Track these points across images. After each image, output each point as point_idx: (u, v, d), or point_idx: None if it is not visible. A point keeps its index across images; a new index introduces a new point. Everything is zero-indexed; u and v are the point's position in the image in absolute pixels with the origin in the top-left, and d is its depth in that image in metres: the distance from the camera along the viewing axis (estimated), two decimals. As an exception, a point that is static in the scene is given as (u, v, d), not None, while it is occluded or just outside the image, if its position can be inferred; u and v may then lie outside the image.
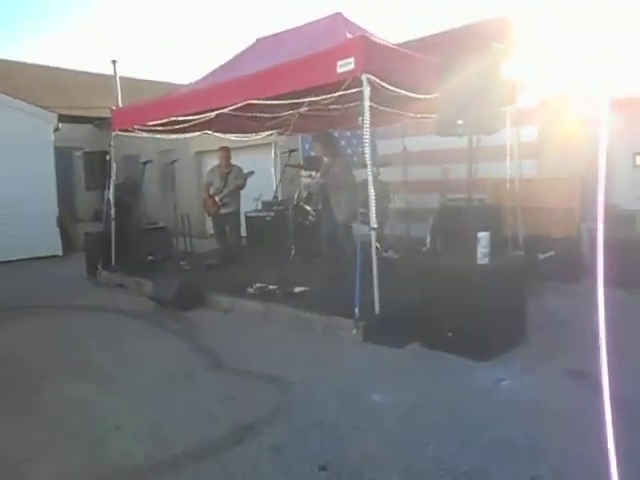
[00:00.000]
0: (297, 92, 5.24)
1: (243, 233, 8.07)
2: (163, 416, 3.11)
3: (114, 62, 16.30)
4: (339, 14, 6.27)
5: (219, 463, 2.58)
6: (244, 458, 2.60)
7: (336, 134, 9.95)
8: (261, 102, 5.30)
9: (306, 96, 5.51)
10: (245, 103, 5.37)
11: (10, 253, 9.12)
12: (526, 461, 2.45)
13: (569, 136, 6.69)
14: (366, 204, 5.67)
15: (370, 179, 4.46)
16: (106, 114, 14.90)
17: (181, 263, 7.42)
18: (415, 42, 7.00)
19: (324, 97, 4.96)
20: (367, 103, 4.31)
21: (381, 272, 4.33)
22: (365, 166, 6.43)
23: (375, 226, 4.41)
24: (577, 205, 6.94)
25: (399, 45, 5.59)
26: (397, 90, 4.65)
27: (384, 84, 4.48)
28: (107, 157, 7.34)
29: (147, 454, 2.70)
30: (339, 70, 4.43)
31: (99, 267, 7.35)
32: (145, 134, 7.39)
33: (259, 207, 9.24)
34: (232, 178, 7.23)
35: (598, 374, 2.03)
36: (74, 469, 2.61)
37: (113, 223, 7.35)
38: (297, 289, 5.36)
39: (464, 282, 3.75)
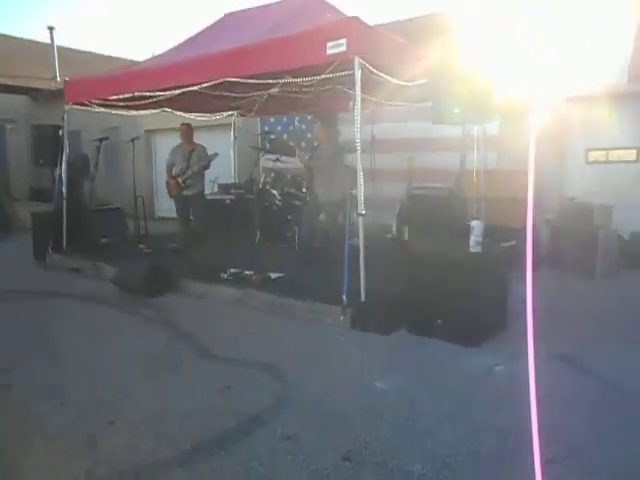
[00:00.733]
0: (275, 72, 5.09)
1: (202, 216, 7.79)
2: (161, 409, 2.94)
3: (51, 29, 15.14)
4: (316, -7, 6.12)
5: (234, 456, 2.47)
6: (259, 450, 2.51)
7: (285, 119, 9.89)
8: (240, 80, 5.07)
9: (282, 76, 5.37)
10: (221, 81, 5.14)
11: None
12: (540, 444, 2.52)
13: (525, 131, 6.96)
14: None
15: (359, 165, 4.39)
16: (42, 85, 13.96)
17: (140, 246, 7.06)
18: (387, 26, 6.97)
19: (311, 78, 4.83)
20: (359, 87, 4.24)
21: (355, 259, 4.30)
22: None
23: (363, 212, 4.37)
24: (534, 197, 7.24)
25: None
26: (385, 76, 4.61)
27: (373, 69, 4.42)
28: (60, 132, 6.81)
29: (152, 451, 2.53)
30: (329, 51, 4.31)
31: (49, 249, 6.84)
32: (101, 109, 6.91)
33: (215, 190, 8.95)
34: (195, 158, 6.93)
35: (582, 357, 2.03)
36: (70, 472, 2.39)
37: (64, 203, 6.86)
38: (273, 275, 5.24)
39: (457, 269, 3.80)
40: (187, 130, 7.14)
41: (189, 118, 8.07)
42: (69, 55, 15.58)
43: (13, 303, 5.21)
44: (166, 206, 11.48)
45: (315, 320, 4.36)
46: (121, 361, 3.65)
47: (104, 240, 7.33)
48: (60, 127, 7.09)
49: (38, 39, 16.22)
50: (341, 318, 4.24)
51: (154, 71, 5.86)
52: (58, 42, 15.55)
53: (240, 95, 6.63)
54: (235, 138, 9.21)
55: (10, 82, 12.03)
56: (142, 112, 7.33)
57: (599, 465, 2.37)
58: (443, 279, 3.88)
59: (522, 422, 2.69)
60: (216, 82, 5.16)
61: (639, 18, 6.57)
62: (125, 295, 5.25)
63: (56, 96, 12.96)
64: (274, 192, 7.18)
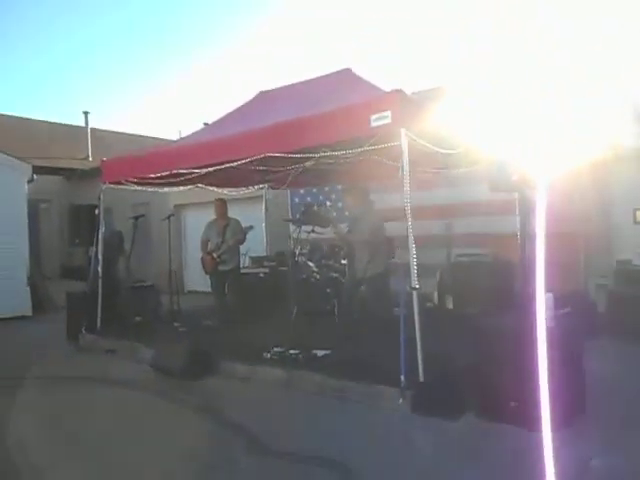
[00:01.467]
0: (316, 146, 5.08)
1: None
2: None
3: (86, 113, 15.93)
4: (348, 69, 6.25)
5: None
6: None
7: (314, 190, 9.94)
8: (281, 155, 5.05)
9: (320, 150, 5.35)
10: (262, 156, 5.13)
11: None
12: None
13: (570, 193, 6.78)
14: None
15: (410, 237, 4.22)
16: (74, 165, 14.46)
17: (175, 324, 6.86)
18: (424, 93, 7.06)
19: (352, 151, 4.79)
20: (406, 157, 4.17)
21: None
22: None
23: (417, 286, 4.14)
24: (582, 260, 6.95)
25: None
26: (428, 145, 4.53)
27: (417, 139, 4.35)
28: (96, 211, 6.85)
29: None
30: (373, 124, 4.29)
31: (83, 330, 6.68)
32: (136, 187, 6.98)
33: (247, 263, 8.84)
34: (230, 233, 6.86)
35: None
36: None
37: (100, 282, 6.77)
38: (319, 352, 4.95)
39: (527, 344, 3.48)
40: (221, 205, 7.13)
41: (221, 193, 8.12)
42: (100, 135, 16.29)
43: (44, 390, 4.96)
44: (195, 280, 11.44)
45: (370, 404, 4.02)
46: (168, 457, 3.34)
47: (138, 319, 7.15)
48: (96, 206, 7.16)
49: (71, 122, 17.06)
50: (400, 401, 3.90)
51: (193, 149, 5.92)
52: (91, 124, 16.34)
53: (276, 169, 6.64)
54: (266, 210, 9.21)
55: (45, 164, 12.44)
56: (175, 189, 7.41)
57: None
58: (513, 355, 3.56)
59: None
60: (258, 157, 5.14)
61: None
62: (164, 379, 4.99)
63: (89, 175, 13.41)
64: (311, 264, 7.01)
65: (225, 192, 8.25)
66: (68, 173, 14.05)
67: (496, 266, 6.31)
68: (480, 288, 6.13)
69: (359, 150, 4.83)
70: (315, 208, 8.81)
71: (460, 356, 4.46)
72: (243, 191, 8.70)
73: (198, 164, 5.75)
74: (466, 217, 7.31)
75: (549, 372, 3.54)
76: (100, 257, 6.75)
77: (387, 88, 5.28)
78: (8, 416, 4.19)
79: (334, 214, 9.15)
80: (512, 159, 3.70)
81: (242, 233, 6.86)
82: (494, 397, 3.66)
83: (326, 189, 9.44)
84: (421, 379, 3.98)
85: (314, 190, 9.65)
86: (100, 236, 6.79)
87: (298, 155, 5.05)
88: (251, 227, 6.96)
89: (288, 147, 4.96)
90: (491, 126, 4.53)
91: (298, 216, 9.06)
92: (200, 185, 7.52)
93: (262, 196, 9.27)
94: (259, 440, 3.53)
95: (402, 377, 3.93)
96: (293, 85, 6.66)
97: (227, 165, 5.64)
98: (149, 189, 7.13)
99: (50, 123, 16.52)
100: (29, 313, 9.04)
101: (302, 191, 9.78)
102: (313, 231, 7.33)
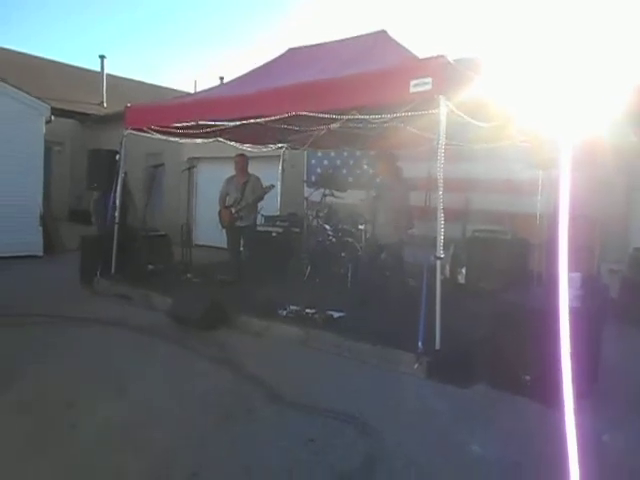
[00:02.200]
0: (349, 108, 5.01)
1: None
2: (244, 464, 2.70)
3: (102, 57, 15.63)
4: (383, 32, 6.10)
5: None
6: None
7: (332, 153, 9.85)
8: (311, 114, 4.98)
9: (350, 112, 5.27)
10: (293, 114, 5.07)
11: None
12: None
13: (594, 175, 6.73)
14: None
15: (440, 206, 4.22)
16: (89, 110, 14.28)
17: (188, 275, 6.92)
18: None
19: (388, 116, 4.72)
20: (443, 126, 4.11)
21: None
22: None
23: (442, 255, 4.18)
24: (596, 245, 6.95)
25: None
26: (464, 117, 4.47)
27: (455, 109, 4.29)
28: (117, 156, 6.81)
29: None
30: (412, 90, 4.21)
31: (98, 274, 6.75)
32: (158, 135, 6.91)
33: (261, 221, 8.85)
34: (250, 190, 6.84)
35: None
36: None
37: (116, 227, 6.80)
38: (335, 314, 5.02)
39: (547, 323, 3.53)
40: (242, 161, 7.08)
41: (240, 149, 8.04)
42: (115, 82, 16.02)
43: (65, 329, 5.06)
44: (204, 235, 11.47)
45: (386, 367, 4.10)
46: (188, 404, 3.44)
47: (150, 267, 7.21)
48: (114, 152, 7.12)
49: (87, 66, 16.76)
50: (415, 366, 3.98)
51: (221, 102, 5.84)
52: (106, 70, 16.04)
53: (301, 129, 6.56)
54: (283, 170, 9.16)
55: (62, 106, 12.28)
56: (196, 141, 7.35)
57: None
58: (530, 331, 3.62)
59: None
60: (286, 116, 5.08)
61: None
62: (179, 328, 5.07)
63: (103, 121, 13.29)
64: (327, 227, 7.02)
65: (243, 149, 8.18)
66: (82, 118, 13.90)
67: (512, 244, 6.32)
68: (495, 265, 6.16)
69: (393, 116, 4.75)
70: (331, 171, 8.79)
71: (474, 328, 4.52)
72: (264, 149, 8.64)
73: (225, 117, 5.68)
74: (486, 193, 7.27)
75: (573, 353, 3.60)
76: (118, 202, 6.76)
77: (421, 55, 5.19)
78: (41, 347, 4.33)
79: (350, 180, 9.15)
80: (552, 136, 3.68)
81: (262, 191, 6.84)
82: (508, 369, 3.73)
83: (345, 154, 9.34)
84: (437, 347, 4.05)
85: (332, 154, 9.56)
86: (120, 181, 6.78)
87: (332, 116, 4.97)
88: (272, 186, 6.95)
89: (319, 107, 4.88)
90: (531, 101, 4.47)
91: (314, 178, 9.05)
92: (221, 139, 7.46)
93: (280, 156, 9.21)
94: (278, 394, 3.61)
95: (419, 343, 4.00)
96: (325, 44, 6.49)
97: (254, 121, 5.59)
98: (170, 138, 7.07)
99: (65, 65, 16.24)
100: (40, 253, 9.10)
101: (319, 154, 9.69)
102: (332, 194, 7.32)
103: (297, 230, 8.37)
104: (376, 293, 5.70)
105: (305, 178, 9.52)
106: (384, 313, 5.10)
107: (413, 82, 4.18)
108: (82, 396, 3.47)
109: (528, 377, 3.62)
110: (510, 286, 5.52)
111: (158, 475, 2.57)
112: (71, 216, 13.35)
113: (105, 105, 14.92)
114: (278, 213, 9.17)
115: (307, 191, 8.65)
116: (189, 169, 7.31)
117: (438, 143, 4.16)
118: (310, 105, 4.89)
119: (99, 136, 12.42)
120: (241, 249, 7.03)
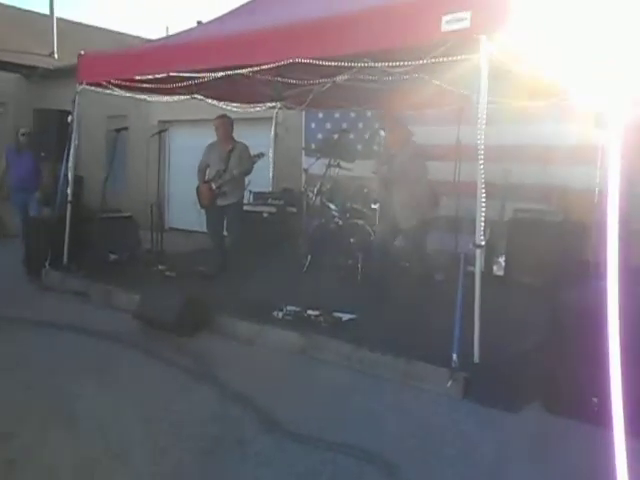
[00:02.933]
0: (361, 53, 4.72)
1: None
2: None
3: (51, -2, 15.19)
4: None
5: None
6: None
7: (337, 114, 9.54)
8: (314, 62, 4.68)
9: (360, 59, 4.98)
10: (290, 62, 4.77)
11: None
12: None
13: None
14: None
15: (480, 179, 3.97)
16: (38, 63, 13.90)
17: (160, 267, 6.69)
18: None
19: (409, 63, 4.42)
20: (485, 76, 3.83)
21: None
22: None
23: (483, 243, 3.93)
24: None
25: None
26: (513, 66, 4.18)
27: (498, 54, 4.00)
28: (68, 118, 6.52)
29: None
30: (444, 28, 3.91)
31: (46, 265, 6.51)
32: (121, 91, 6.61)
33: (250, 200, 8.60)
34: (235, 159, 6.56)
35: None
36: None
37: (69, 207, 6.55)
38: (344, 316, 4.80)
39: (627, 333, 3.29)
40: (225, 124, 6.77)
41: (221, 109, 7.71)
42: (69, 28, 15.61)
43: (7, 336, 4.84)
44: (180, 216, 11.23)
45: (411, 384, 3.89)
46: (160, 434, 3.21)
47: (113, 256, 6.99)
48: (66, 112, 6.84)
49: (33, 8, 16.32)
50: (449, 384, 3.77)
51: (198, 47, 5.56)
52: (57, 13, 15.62)
53: (298, 82, 6.25)
54: (276, 135, 8.86)
55: (1, 57, 11.93)
56: (166, 98, 7.04)
57: None
58: (597, 340, 3.38)
59: None
60: (283, 64, 4.78)
61: None
62: (149, 333, 4.87)
63: (54, 75, 12.93)
64: (332, 207, 6.76)
65: (227, 109, 7.86)
66: (28, 71, 13.54)
67: (566, 228, 6.09)
68: (542, 253, 5.93)
69: (418, 62, 4.45)
70: (335, 137, 8.48)
71: (521, 336, 4.32)
72: (252, 110, 8.32)
73: (203, 67, 5.40)
74: (531, 163, 6.97)
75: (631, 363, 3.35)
76: (71, 176, 6.49)
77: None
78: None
79: (358, 147, 8.86)
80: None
81: (250, 161, 6.56)
82: (568, 389, 3.52)
83: (352, 114, 9.03)
84: (476, 360, 3.83)
85: (336, 115, 9.25)
86: (72, 150, 6.51)
87: (339, 63, 4.69)
88: (262, 154, 6.69)
89: (323, 52, 4.59)
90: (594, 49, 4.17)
91: (314, 146, 8.77)
92: (198, 96, 7.15)
93: (272, 118, 8.91)
94: (273, 419, 3.39)
95: (454, 355, 3.77)
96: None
97: (240, 71, 5.30)
98: (136, 96, 6.77)
99: (5, 6, 15.79)
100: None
101: (321, 115, 9.38)
102: (338, 165, 7.04)
103: (294, 210, 8.17)
104: (394, 289, 5.49)
105: (303, 145, 9.27)
106: (405, 315, 4.88)
107: (446, 18, 3.89)
108: (24, 425, 3.25)
109: (596, 399, 3.40)
110: (562, 280, 5.31)
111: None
112: (8, 194, 13.03)
113: (56, 57, 14.52)
114: (270, 189, 8.95)
115: (306, 161, 8.40)
116: (159, 133, 7.03)
117: (478, 101, 3.86)
118: (311, 50, 4.59)
119: (48, 94, 12.11)
120: (225, 234, 6.77)
